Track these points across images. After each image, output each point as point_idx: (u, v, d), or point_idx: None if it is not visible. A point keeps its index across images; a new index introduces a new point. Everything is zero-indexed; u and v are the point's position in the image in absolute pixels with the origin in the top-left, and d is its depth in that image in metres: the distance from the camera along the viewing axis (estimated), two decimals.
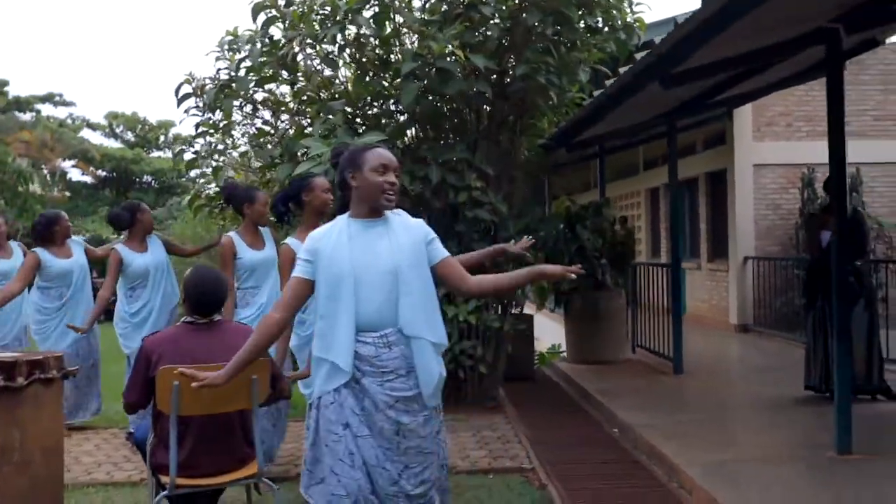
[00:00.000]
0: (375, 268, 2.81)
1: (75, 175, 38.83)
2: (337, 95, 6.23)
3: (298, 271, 2.86)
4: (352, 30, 6.13)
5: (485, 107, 6.64)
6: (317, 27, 5.80)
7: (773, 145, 11.57)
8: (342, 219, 2.93)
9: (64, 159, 37.33)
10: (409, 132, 6.99)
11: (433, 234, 2.95)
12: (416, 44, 5.87)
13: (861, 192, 10.76)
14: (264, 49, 6.00)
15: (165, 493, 3.45)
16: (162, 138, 41.69)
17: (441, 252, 2.93)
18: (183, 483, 3.42)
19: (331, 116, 5.78)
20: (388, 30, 6.07)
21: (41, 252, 6.30)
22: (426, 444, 2.86)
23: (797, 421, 6.07)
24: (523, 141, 7.17)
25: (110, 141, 41.66)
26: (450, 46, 5.46)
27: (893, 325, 7.90)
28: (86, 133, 40.58)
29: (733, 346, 10.88)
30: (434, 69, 5.65)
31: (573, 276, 2.77)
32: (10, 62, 63.02)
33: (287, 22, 5.91)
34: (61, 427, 3.84)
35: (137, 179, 37.84)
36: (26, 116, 38.71)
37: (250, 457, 3.59)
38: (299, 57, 5.73)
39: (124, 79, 69.76)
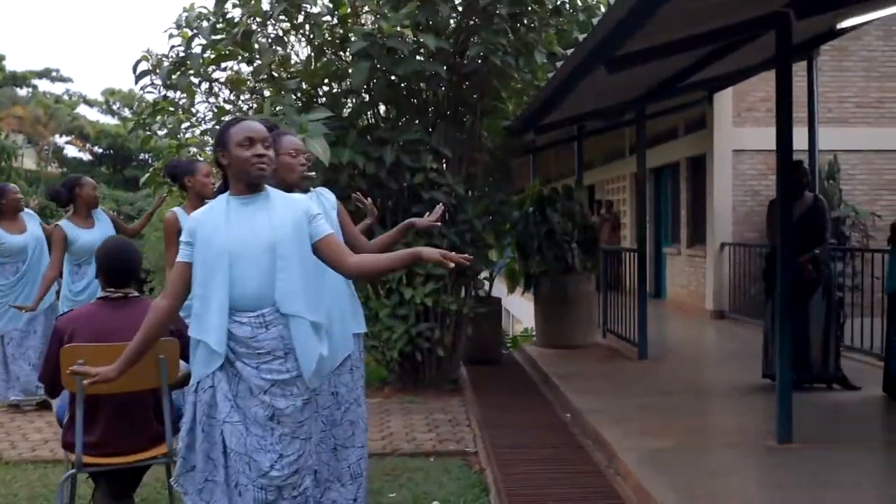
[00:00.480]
0: (253, 245, 2.73)
1: (72, 151, 38.84)
2: (293, 74, 6.18)
3: (181, 256, 2.78)
4: (306, 7, 6.07)
5: (441, 87, 6.57)
6: (265, 6, 5.73)
7: (753, 131, 11.47)
8: (223, 197, 2.84)
9: (60, 135, 37.31)
10: (369, 113, 6.92)
11: (316, 211, 2.86)
12: (370, 23, 5.80)
13: (838, 180, 10.68)
14: (219, 27, 5.94)
15: (72, 471, 3.44)
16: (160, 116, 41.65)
17: (323, 229, 2.83)
18: (91, 461, 3.41)
19: (283, 95, 5.73)
20: (348, 9, 5.99)
21: None
22: (302, 430, 2.79)
23: (748, 409, 6.05)
24: (485, 123, 7.09)
25: (107, 118, 41.63)
26: (398, 27, 5.40)
27: (868, 313, 7.85)
28: (82, 109, 40.51)
29: (707, 332, 10.87)
30: (385, 49, 5.59)
31: (451, 264, 2.67)
32: (8, 37, 62.72)
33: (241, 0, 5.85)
34: None
35: (134, 157, 37.74)
36: (22, 92, 38.65)
37: (163, 436, 3.58)
38: (255, 36, 5.68)
39: (122, 55, 69.41)
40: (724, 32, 5.07)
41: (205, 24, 5.89)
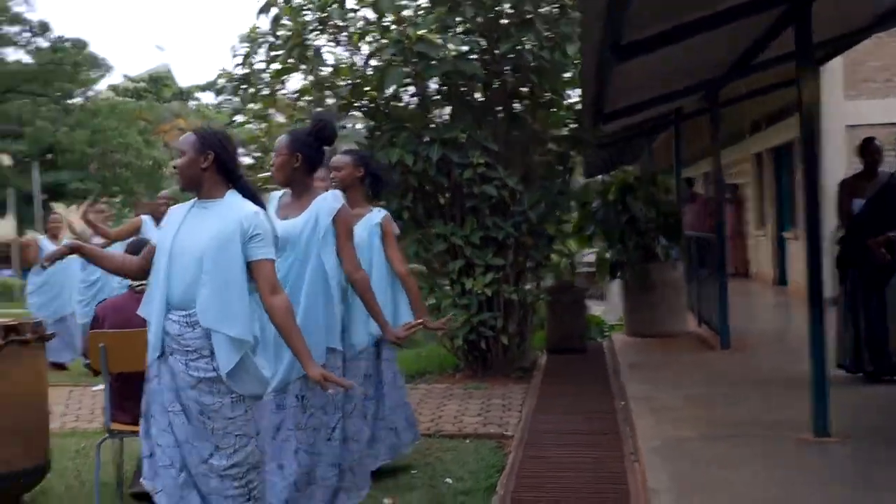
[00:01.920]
0: (189, 249, 2.88)
1: None
2: (338, 84, 6.60)
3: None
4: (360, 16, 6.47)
5: (479, 84, 6.77)
6: (309, 17, 6.15)
7: (868, 104, 10.78)
8: (194, 199, 3.05)
9: None
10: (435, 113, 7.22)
11: (259, 231, 2.90)
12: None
13: None
14: (276, 44, 6.45)
15: (107, 437, 3.98)
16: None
17: (255, 253, 2.89)
18: (118, 427, 3.93)
19: (330, 101, 6.16)
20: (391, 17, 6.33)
21: None
22: (235, 426, 2.88)
23: (805, 401, 5.84)
24: (539, 115, 7.20)
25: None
26: (424, 31, 5.66)
27: None
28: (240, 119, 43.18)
29: None
30: (416, 54, 5.88)
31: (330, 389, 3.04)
32: (178, 52, 68.07)
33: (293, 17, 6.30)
34: (44, 380, 4.41)
35: None
36: (191, 105, 41.88)
37: None
38: (302, 50, 6.14)
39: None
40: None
41: (254, 44, 6.41)
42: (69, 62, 18.03)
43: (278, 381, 3.42)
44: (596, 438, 5.40)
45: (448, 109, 7.07)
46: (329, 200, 3.55)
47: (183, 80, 55.15)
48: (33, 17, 18.63)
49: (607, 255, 9.48)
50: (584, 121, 7.64)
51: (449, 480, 4.62)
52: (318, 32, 6.32)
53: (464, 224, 6.97)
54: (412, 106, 6.91)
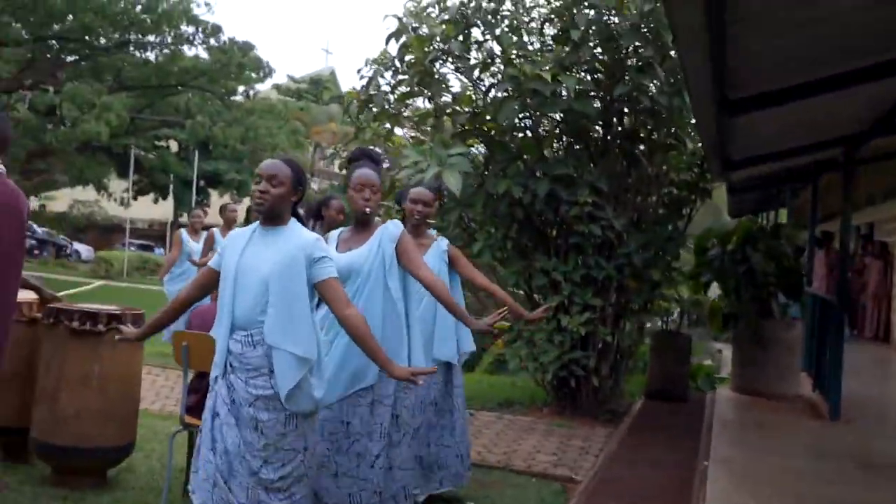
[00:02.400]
0: (254, 273, 3.03)
1: None
2: (458, 111, 6.77)
3: (212, 262, 3.30)
4: (486, 47, 6.63)
5: (593, 124, 6.76)
6: (433, 46, 6.34)
7: None
8: (254, 224, 3.22)
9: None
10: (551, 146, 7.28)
11: (321, 253, 3.06)
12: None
13: None
14: (402, 69, 6.71)
15: (178, 428, 4.30)
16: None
17: (322, 273, 3.05)
18: (191, 422, 4.24)
19: (447, 127, 6.35)
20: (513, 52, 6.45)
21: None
22: (286, 441, 3.01)
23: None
24: (657, 158, 7.10)
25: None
26: (539, 70, 5.75)
27: None
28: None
29: None
30: (532, 91, 5.97)
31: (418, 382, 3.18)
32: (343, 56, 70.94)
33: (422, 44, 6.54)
34: (138, 365, 4.81)
35: None
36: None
37: None
38: (425, 77, 6.37)
39: None
40: None
41: (378, 69, 6.70)
42: (235, 63, 19.28)
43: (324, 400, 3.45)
44: (665, 496, 5.28)
45: (563, 145, 7.11)
46: (390, 228, 3.68)
47: (346, 84, 57.85)
48: (210, 18, 20.09)
49: (720, 304, 9.21)
50: (711, 167, 7.46)
51: None
52: (441, 62, 6.52)
53: (567, 260, 6.98)
54: (527, 139, 6.98)
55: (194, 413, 4.25)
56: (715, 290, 9.32)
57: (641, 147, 7.06)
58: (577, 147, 7.07)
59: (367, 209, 3.62)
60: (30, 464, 4.80)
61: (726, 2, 3.24)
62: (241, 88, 21.95)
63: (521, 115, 6.56)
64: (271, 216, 3.13)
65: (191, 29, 19.04)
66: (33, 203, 35.83)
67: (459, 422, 4.70)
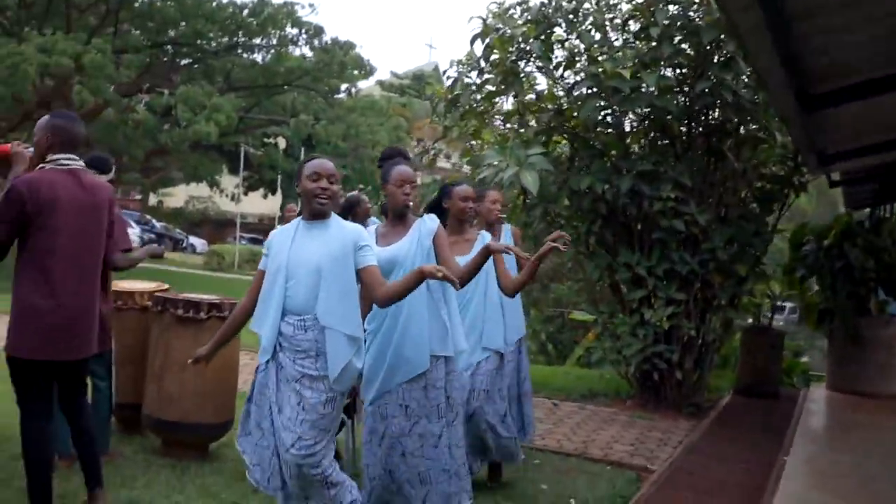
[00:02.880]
0: (304, 265, 3.24)
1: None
2: (541, 109, 6.92)
3: (261, 264, 3.50)
4: (571, 44, 6.78)
5: (676, 120, 6.78)
6: (516, 47, 6.51)
7: None
8: (297, 220, 3.40)
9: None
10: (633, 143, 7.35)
11: (365, 242, 3.30)
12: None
13: None
14: (486, 69, 6.92)
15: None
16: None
17: (365, 261, 3.28)
18: None
19: (532, 124, 6.52)
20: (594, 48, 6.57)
21: None
22: (323, 421, 3.22)
23: None
24: (746, 153, 7.05)
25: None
26: (618, 68, 5.84)
27: None
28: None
29: None
30: (612, 89, 6.08)
31: (439, 274, 3.05)
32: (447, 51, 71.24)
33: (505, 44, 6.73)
34: (236, 351, 5.22)
35: None
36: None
37: None
38: (509, 77, 6.56)
39: None
40: None
41: (462, 68, 6.93)
42: (337, 62, 19.92)
43: (376, 391, 3.67)
44: (739, 490, 5.31)
45: (647, 141, 7.16)
46: (427, 223, 3.75)
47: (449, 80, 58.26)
48: (314, 19, 20.73)
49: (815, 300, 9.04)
50: (806, 161, 7.35)
51: (572, 501, 4.83)
52: (524, 61, 6.69)
53: (650, 255, 7.04)
54: (611, 136, 7.07)
55: None
56: (814, 286, 9.14)
57: (728, 142, 7.02)
58: (662, 143, 7.11)
59: (408, 203, 3.70)
60: (143, 436, 5.29)
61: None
62: (343, 86, 22.61)
63: (603, 112, 6.65)
64: (329, 211, 3.36)
65: (295, 30, 19.84)
66: (152, 199, 37.95)
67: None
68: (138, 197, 36.53)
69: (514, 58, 6.54)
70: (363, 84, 27.60)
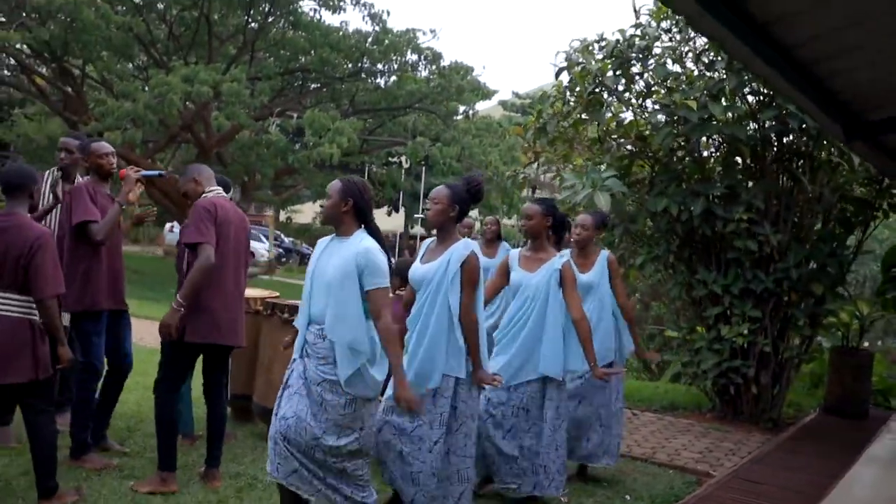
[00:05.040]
0: (323, 276, 3.52)
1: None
2: (623, 135, 7.41)
3: None
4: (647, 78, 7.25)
5: (747, 147, 7.10)
6: (598, 79, 7.02)
7: None
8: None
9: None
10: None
11: (366, 264, 3.43)
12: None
13: None
14: (571, 100, 7.47)
15: None
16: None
17: (367, 283, 3.44)
18: None
19: (614, 150, 7.06)
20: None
21: None
22: (344, 420, 3.48)
23: None
24: (819, 176, 7.28)
25: None
26: (685, 98, 6.28)
27: None
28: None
29: None
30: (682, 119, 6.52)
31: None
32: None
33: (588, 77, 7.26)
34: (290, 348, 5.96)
35: None
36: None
37: None
38: (593, 107, 7.09)
39: None
40: None
41: (547, 100, 7.50)
42: (454, 85, 20.83)
43: (388, 395, 3.91)
44: (796, 497, 5.57)
45: (721, 166, 7.52)
46: (460, 249, 3.89)
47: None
48: (435, 44, 21.70)
49: None
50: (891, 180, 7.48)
51: (627, 497, 5.29)
52: (605, 93, 7.20)
53: (727, 274, 7.36)
54: (688, 161, 7.47)
55: None
56: None
57: (801, 166, 7.27)
58: (737, 168, 7.44)
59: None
60: (253, 423, 6.12)
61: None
62: (461, 108, 23.50)
63: (678, 139, 7.06)
64: (331, 224, 3.65)
65: (415, 56, 20.91)
66: (282, 216, 40.11)
67: (547, 433, 4.60)
68: (269, 213, 38.75)
69: (592, 89, 7.06)
70: (484, 105, 28.48)
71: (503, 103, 41.64)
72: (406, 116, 24.11)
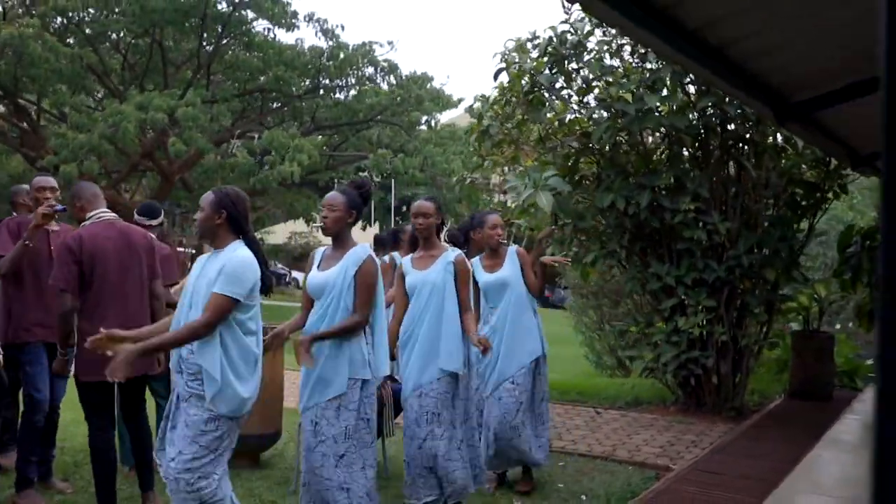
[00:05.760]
0: (197, 294, 3.43)
1: None
2: (565, 133, 7.38)
3: None
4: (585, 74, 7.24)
5: (693, 137, 7.11)
6: (533, 78, 7.00)
7: None
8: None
9: None
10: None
11: (226, 271, 3.33)
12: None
13: None
14: (511, 100, 7.44)
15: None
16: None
17: (217, 285, 3.31)
18: None
19: (558, 150, 7.03)
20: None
21: None
22: (204, 439, 3.35)
23: None
24: (769, 160, 7.28)
25: None
26: (621, 92, 6.27)
27: None
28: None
29: None
30: (621, 112, 6.50)
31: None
32: None
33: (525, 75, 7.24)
34: (280, 366, 5.88)
35: None
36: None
37: None
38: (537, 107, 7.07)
39: None
40: None
41: (485, 103, 7.48)
42: (413, 96, 20.80)
43: (301, 406, 3.88)
44: (757, 484, 5.52)
45: (665, 156, 7.50)
46: (358, 253, 3.86)
47: None
48: (393, 56, 21.72)
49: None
50: (842, 163, 7.48)
51: (583, 497, 5.23)
52: (542, 91, 7.17)
53: (679, 265, 7.34)
54: (632, 155, 7.45)
55: None
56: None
57: (745, 152, 7.27)
58: (680, 157, 7.43)
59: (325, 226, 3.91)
60: None
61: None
62: (423, 118, 23.47)
63: (620, 133, 7.04)
64: (206, 238, 3.57)
65: (371, 69, 20.87)
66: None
67: (463, 433, 4.48)
68: None
69: (529, 88, 7.03)
70: (450, 113, 28.50)
71: (470, 110, 41.73)
72: (370, 130, 24.06)
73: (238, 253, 3.38)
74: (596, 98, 7.04)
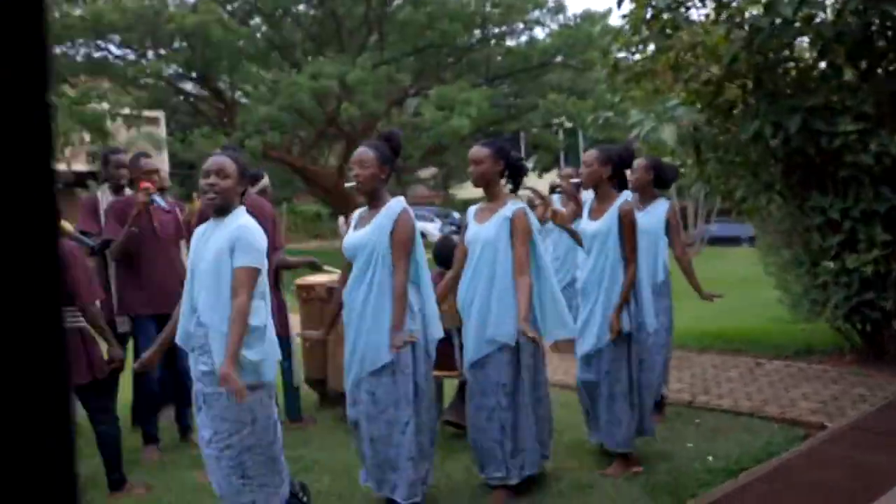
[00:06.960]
0: (200, 264, 3.26)
1: None
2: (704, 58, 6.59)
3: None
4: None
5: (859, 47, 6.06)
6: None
7: None
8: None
9: None
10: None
11: (239, 242, 3.17)
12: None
13: None
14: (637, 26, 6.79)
15: None
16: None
17: (235, 261, 3.16)
18: (437, 374, 5.13)
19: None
20: None
21: None
22: (231, 413, 3.22)
23: None
24: None
25: None
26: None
27: None
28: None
29: None
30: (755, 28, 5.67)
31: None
32: None
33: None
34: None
35: None
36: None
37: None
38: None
39: None
40: None
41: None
42: (584, 35, 19.98)
43: (352, 379, 3.76)
44: None
45: (820, 73, 6.53)
46: (393, 208, 3.71)
47: None
48: None
49: None
50: None
51: (710, 458, 4.74)
52: (667, 14, 6.47)
53: (845, 196, 6.44)
54: (780, 76, 6.56)
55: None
56: None
57: None
58: (839, 71, 6.43)
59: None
60: (333, 408, 6.12)
61: None
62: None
63: (756, 56, 6.19)
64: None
65: (536, 13, 20.24)
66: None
67: (528, 406, 4.16)
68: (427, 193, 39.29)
69: (651, 14, 6.37)
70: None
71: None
72: (550, 75, 23.45)
73: (243, 221, 3.25)
74: (727, 15, 6.24)
